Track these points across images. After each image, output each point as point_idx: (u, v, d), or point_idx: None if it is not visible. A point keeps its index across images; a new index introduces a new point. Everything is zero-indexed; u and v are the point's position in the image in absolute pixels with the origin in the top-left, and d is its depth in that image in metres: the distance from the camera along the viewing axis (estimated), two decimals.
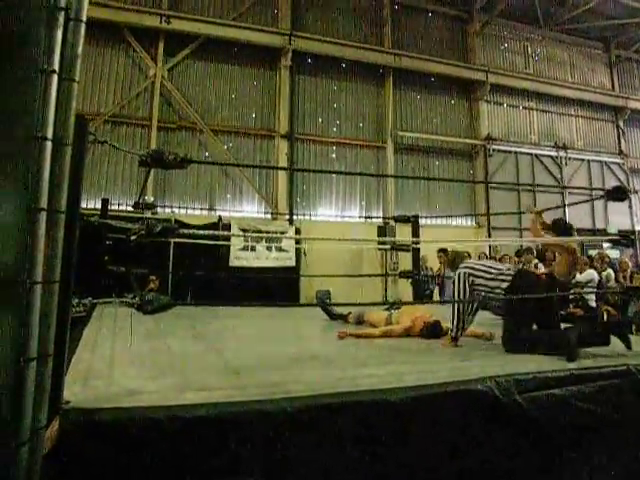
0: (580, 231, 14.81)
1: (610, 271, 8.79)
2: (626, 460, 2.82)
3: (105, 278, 6.23)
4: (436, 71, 14.59)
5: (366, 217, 13.66)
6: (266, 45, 12.93)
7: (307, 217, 13.06)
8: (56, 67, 1.88)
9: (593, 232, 15.05)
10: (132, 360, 3.25)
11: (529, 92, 16.03)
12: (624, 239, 4.51)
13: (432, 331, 4.35)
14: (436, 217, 13.74)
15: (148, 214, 9.65)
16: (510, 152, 15.39)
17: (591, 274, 8.28)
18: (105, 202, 7.62)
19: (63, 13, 1.92)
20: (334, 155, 13.59)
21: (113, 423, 2.00)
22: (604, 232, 14.42)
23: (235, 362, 3.28)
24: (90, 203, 10.55)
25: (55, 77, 1.87)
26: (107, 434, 1.98)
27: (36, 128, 1.82)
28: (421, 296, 8.87)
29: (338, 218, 13.40)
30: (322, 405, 2.29)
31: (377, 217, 13.66)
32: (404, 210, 12.89)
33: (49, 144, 1.84)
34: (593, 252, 10.03)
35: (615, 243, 5.11)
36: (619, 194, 4.43)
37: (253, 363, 3.22)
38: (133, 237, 3.03)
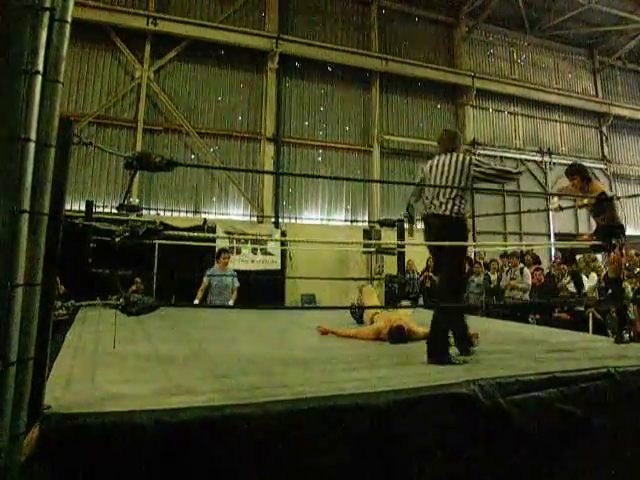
0: (564, 236, 15.00)
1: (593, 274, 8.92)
2: (609, 461, 2.85)
3: (89, 280, 6.17)
4: (423, 75, 14.67)
5: (352, 221, 13.67)
6: (253, 48, 12.92)
7: (293, 220, 13.06)
8: (40, 68, 1.86)
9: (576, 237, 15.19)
10: (115, 363, 3.23)
11: (514, 97, 16.19)
12: (607, 244, 4.57)
13: (395, 335, 4.36)
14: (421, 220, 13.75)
15: (133, 216, 9.58)
16: (495, 157, 15.49)
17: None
18: (89, 204, 7.55)
19: (48, 14, 1.90)
20: (320, 158, 13.60)
21: (95, 428, 1.97)
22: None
23: (219, 365, 3.27)
24: (75, 205, 10.47)
25: (39, 78, 1.86)
26: (89, 439, 1.95)
27: (19, 129, 1.80)
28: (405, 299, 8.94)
29: (324, 221, 13.40)
30: (305, 409, 2.28)
31: (363, 221, 13.68)
32: (390, 214, 12.93)
33: (32, 145, 1.83)
34: (578, 256, 10.13)
35: (598, 248, 5.18)
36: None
37: (237, 366, 3.21)
38: (117, 239, 3.01)
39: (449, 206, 3.76)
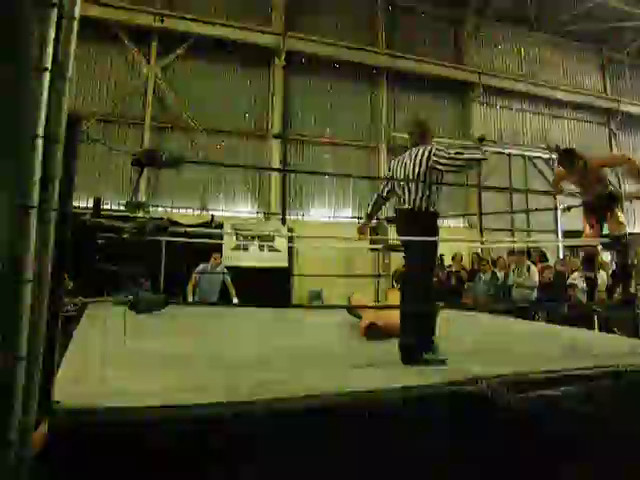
0: (572, 233, 14.91)
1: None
2: (616, 460, 2.83)
3: (97, 277, 6.20)
4: (430, 72, 14.60)
5: (359, 218, 13.64)
6: (260, 45, 12.89)
7: (300, 217, 13.04)
8: (48, 65, 1.86)
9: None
10: (124, 360, 3.23)
11: (522, 94, 16.06)
12: (616, 242, 4.54)
13: (370, 332, 4.39)
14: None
15: (140, 213, 9.58)
16: (503, 154, 15.43)
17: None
18: (97, 201, 7.56)
19: (56, 10, 1.90)
20: (327, 156, 13.57)
21: (103, 424, 1.98)
22: None
23: (228, 362, 3.28)
24: (82, 202, 10.48)
25: (47, 75, 1.86)
26: (97, 435, 1.96)
27: (27, 126, 1.81)
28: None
29: (331, 219, 13.39)
30: (313, 406, 2.28)
31: None
32: None
33: (40, 142, 1.83)
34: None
35: (607, 246, 5.15)
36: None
37: (246, 363, 3.22)
38: (125, 236, 3.02)
39: (414, 200, 3.70)
